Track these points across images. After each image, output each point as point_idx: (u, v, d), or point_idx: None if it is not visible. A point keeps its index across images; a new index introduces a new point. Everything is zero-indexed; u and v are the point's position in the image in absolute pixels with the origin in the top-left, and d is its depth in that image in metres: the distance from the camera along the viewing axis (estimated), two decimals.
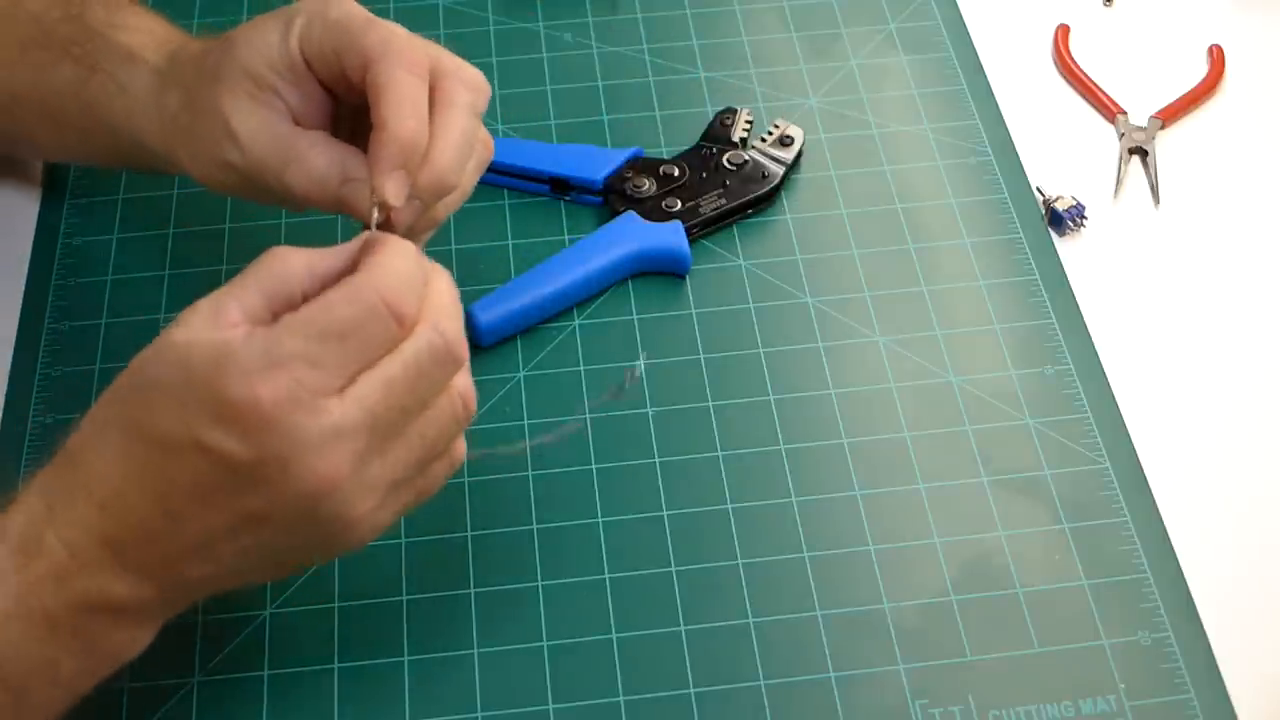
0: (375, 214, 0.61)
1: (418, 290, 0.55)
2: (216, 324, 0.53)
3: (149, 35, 0.70)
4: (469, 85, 0.64)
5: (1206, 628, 0.66)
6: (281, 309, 0.55)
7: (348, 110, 0.66)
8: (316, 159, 0.63)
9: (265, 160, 0.63)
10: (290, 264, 0.56)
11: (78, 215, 0.82)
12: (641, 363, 0.69)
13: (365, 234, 0.59)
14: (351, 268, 0.57)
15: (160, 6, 0.92)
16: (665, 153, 0.85)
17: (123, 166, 0.79)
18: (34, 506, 0.55)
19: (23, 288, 0.79)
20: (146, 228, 0.81)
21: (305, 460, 0.52)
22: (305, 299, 0.55)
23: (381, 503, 0.56)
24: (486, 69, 0.89)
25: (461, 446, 0.60)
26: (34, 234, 0.82)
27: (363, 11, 0.64)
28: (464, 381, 0.58)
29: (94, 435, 0.55)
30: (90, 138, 0.73)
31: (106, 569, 0.54)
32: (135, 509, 0.54)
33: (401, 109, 0.61)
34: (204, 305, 0.54)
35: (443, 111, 0.62)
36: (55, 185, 0.84)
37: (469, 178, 0.66)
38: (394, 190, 0.60)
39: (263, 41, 0.64)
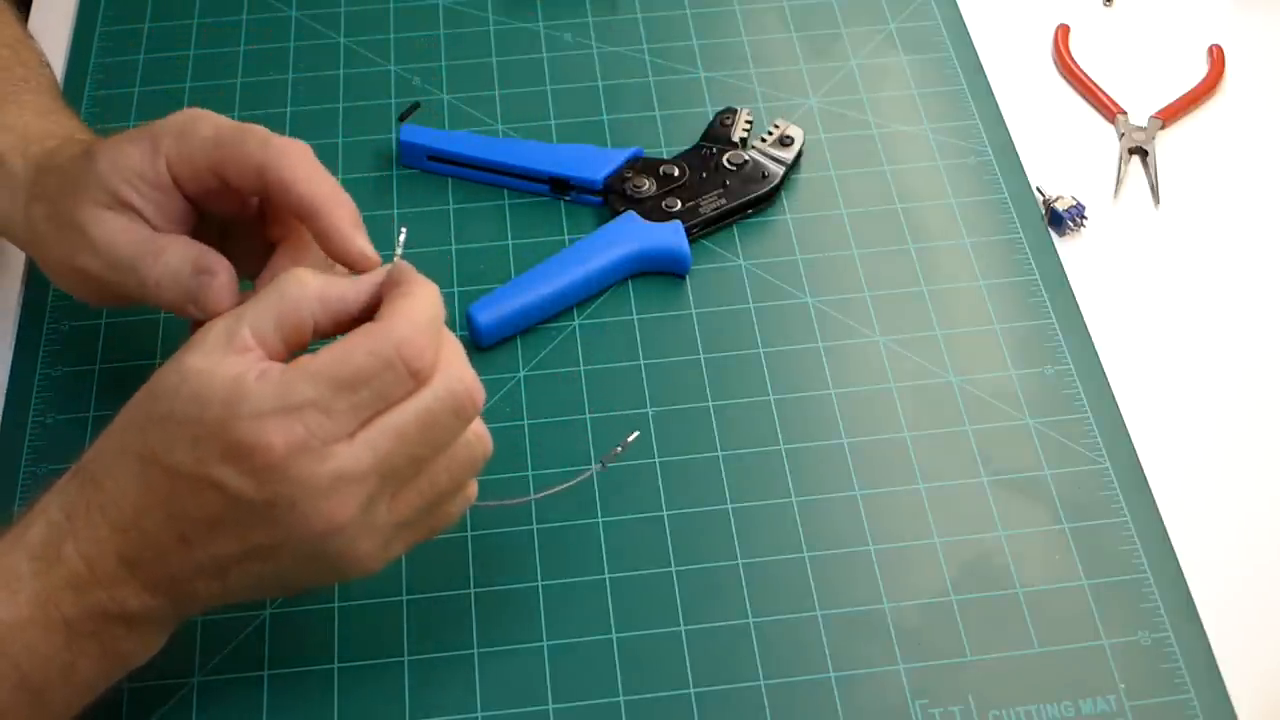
0: (400, 242, 0.61)
1: (436, 340, 0.57)
2: (230, 348, 0.55)
3: (20, 138, 0.69)
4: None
5: (1206, 628, 0.66)
6: (291, 335, 0.57)
7: (214, 222, 0.67)
8: (171, 254, 0.63)
9: (122, 261, 0.64)
10: (305, 288, 0.57)
11: None
12: (630, 438, 0.69)
13: (388, 265, 0.60)
14: (372, 303, 0.58)
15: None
16: (665, 153, 0.85)
17: None
18: (54, 517, 0.56)
19: (22, 287, 0.79)
20: None
21: (312, 503, 0.54)
22: (315, 326, 0.58)
23: (388, 541, 0.58)
24: (486, 69, 0.89)
25: (474, 486, 0.61)
26: None
27: (230, 121, 0.64)
28: (479, 426, 0.59)
29: (113, 459, 0.56)
30: None
31: (122, 583, 0.56)
32: (150, 533, 0.55)
33: (325, 188, 0.62)
34: (219, 327, 0.56)
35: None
36: None
37: None
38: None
39: (123, 159, 0.64)
